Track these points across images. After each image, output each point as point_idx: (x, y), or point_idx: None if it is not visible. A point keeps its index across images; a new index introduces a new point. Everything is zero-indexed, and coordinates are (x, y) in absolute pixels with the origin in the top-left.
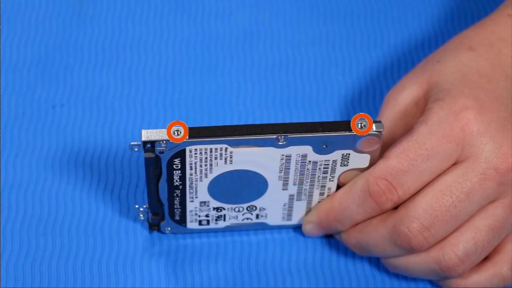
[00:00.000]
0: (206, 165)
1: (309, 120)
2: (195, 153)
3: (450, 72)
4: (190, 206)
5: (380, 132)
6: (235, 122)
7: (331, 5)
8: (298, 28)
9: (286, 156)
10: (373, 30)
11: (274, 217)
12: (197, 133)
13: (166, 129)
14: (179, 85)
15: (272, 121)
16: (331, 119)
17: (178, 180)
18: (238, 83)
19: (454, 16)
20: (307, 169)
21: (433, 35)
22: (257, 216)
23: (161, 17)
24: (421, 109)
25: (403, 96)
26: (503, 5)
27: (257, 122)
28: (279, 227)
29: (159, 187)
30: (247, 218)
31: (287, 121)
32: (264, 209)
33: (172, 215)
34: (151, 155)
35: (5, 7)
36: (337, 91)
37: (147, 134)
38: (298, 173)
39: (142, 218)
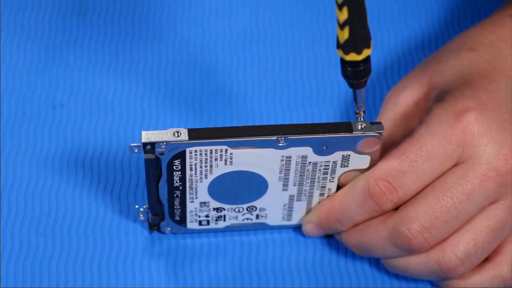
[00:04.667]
0: (206, 166)
1: (309, 120)
2: (195, 154)
3: (451, 73)
4: (190, 206)
5: (380, 133)
6: (235, 122)
7: (331, 5)
8: (298, 28)
9: (286, 157)
10: (373, 30)
11: (274, 218)
12: (197, 135)
13: (166, 131)
14: (179, 85)
15: (272, 121)
16: (331, 119)
17: (178, 181)
18: (238, 83)
19: (454, 16)
20: (307, 170)
21: (433, 35)
22: (257, 217)
23: (161, 17)
24: (421, 109)
25: (403, 96)
26: (503, 5)
27: (257, 122)
28: (279, 227)
29: (159, 188)
30: (247, 219)
31: (287, 121)
32: (264, 209)
33: (172, 215)
34: (151, 156)
35: (5, 7)
36: (337, 91)
37: (147, 136)
38: (298, 174)
39: (142, 218)
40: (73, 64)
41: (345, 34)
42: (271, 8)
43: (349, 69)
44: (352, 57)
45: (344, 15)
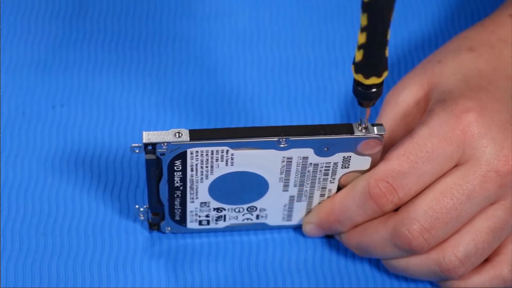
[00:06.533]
0: (207, 167)
1: (309, 120)
2: (196, 155)
3: (451, 73)
4: (190, 206)
5: (381, 135)
6: (235, 122)
7: (331, 5)
8: (298, 28)
9: (287, 158)
10: None
11: (274, 218)
12: (198, 135)
13: (167, 131)
14: (179, 85)
15: (272, 121)
16: (331, 119)
17: (179, 181)
18: (238, 83)
19: (454, 16)
20: (308, 171)
21: (433, 35)
22: (257, 217)
23: (161, 17)
24: (421, 109)
25: (403, 96)
26: (503, 5)
27: (257, 122)
28: (279, 227)
29: (159, 188)
30: (247, 219)
31: (287, 121)
32: (264, 209)
33: (172, 215)
34: (152, 156)
35: (5, 7)
36: (337, 91)
37: (148, 136)
38: (299, 175)
39: (142, 218)
40: (73, 64)
41: (358, 56)
42: (271, 8)
43: (359, 88)
44: (359, 78)
45: (361, 39)
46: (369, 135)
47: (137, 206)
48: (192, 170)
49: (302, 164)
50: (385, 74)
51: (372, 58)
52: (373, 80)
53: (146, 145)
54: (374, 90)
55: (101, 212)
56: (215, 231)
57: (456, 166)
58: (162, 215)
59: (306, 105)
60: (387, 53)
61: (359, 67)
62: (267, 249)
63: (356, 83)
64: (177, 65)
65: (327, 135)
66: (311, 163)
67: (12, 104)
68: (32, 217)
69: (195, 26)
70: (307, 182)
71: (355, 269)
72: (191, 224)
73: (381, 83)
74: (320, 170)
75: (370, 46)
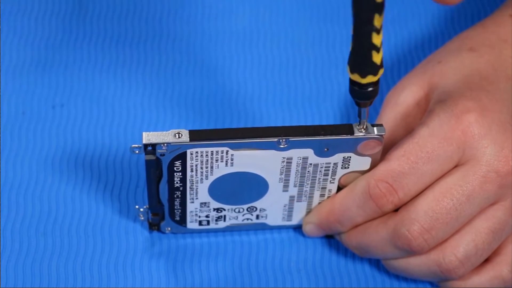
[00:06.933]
0: (207, 167)
1: (309, 120)
2: (196, 156)
3: (451, 73)
4: (190, 207)
5: (381, 135)
6: (235, 122)
7: (331, 5)
8: (298, 28)
9: (287, 158)
10: None
11: (274, 218)
12: (198, 136)
13: (167, 132)
14: (179, 85)
15: (272, 121)
16: (331, 120)
17: (179, 182)
18: (238, 83)
19: (454, 16)
20: (308, 171)
21: (433, 35)
22: (257, 217)
23: (161, 17)
24: (422, 110)
25: (403, 97)
26: (503, 5)
27: (257, 122)
28: (279, 227)
29: (159, 188)
30: (247, 219)
31: (287, 121)
32: (264, 210)
33: (172, 215)
34: (152, 157)
35: (5, 7)
36: (337, 91)
37: (148, 137)
38: (299, 175)
39: (142, 218)
40: (73, 64)
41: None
42: (271, 8)
43: (356, 88)
44: (356, 78)
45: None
46: (369, 135)
47: (137, 207)
48: (192, 171)
49: (302, 165)
50: (381, 71)
51: (366, 56)
52: (369, 79)
53: (146, 145)
54: (370, 89)
55: (101, 212)
56: (215, 231)
57: (456, 166)
58: (162, 215)
59: (306, 105)
60: (381, 52)
61: (353, 66)
62: (267, 249)
63: (352, 82)
64: (177, 65)
65: (327, 135)
66: (311, 164)
67: (12, 104)
68: (32, 217)
69: (195, 26)
70: (307, 182)
71: (355, 269)
72: (191, 224)
73: (377, 81)
74: (320, 171)
75: (364, 46)
